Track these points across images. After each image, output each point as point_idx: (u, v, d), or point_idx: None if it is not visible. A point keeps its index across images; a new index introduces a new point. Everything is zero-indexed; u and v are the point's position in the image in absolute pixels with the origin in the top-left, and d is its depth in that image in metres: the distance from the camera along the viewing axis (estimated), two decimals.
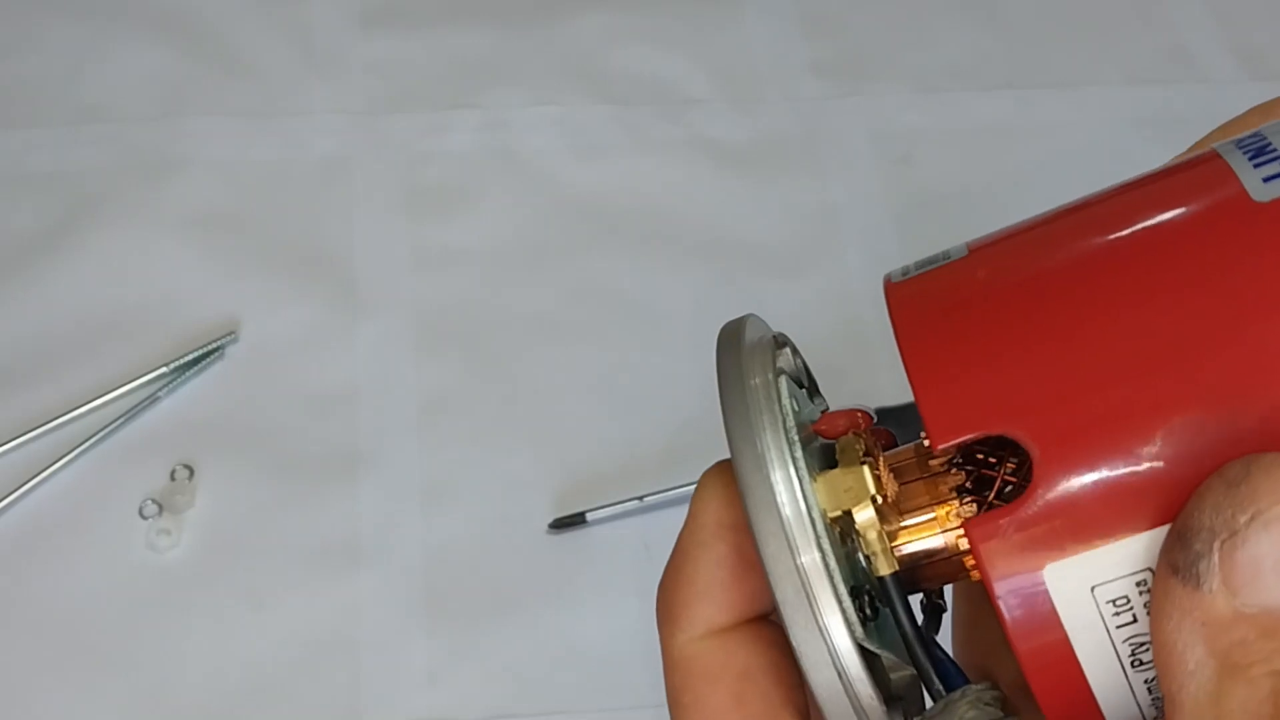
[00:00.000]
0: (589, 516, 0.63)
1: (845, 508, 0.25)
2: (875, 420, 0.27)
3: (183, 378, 0.66)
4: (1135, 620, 0.23)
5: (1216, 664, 0.22)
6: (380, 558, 0.62)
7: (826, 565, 0.24)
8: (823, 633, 0.24)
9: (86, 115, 0.74)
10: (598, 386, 0.67)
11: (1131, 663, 0.24)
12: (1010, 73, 0.79)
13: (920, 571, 0.26)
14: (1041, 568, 0.23)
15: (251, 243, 0.71)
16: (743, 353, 0.26)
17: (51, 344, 0.67)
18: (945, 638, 0.28)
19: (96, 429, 0.64)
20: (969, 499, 0.25)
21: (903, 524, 0.26)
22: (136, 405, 0.65)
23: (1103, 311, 0.24)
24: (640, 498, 0.63)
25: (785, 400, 0.26)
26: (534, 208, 0.73)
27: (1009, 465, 0.25)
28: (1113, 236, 0.25)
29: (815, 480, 0.25)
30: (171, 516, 0.62)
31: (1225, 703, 0.21)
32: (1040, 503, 0.23)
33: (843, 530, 0.25)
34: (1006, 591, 0.23)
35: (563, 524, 0.63)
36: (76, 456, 0.63)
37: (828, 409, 0.28)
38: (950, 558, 0.26)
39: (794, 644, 0.24)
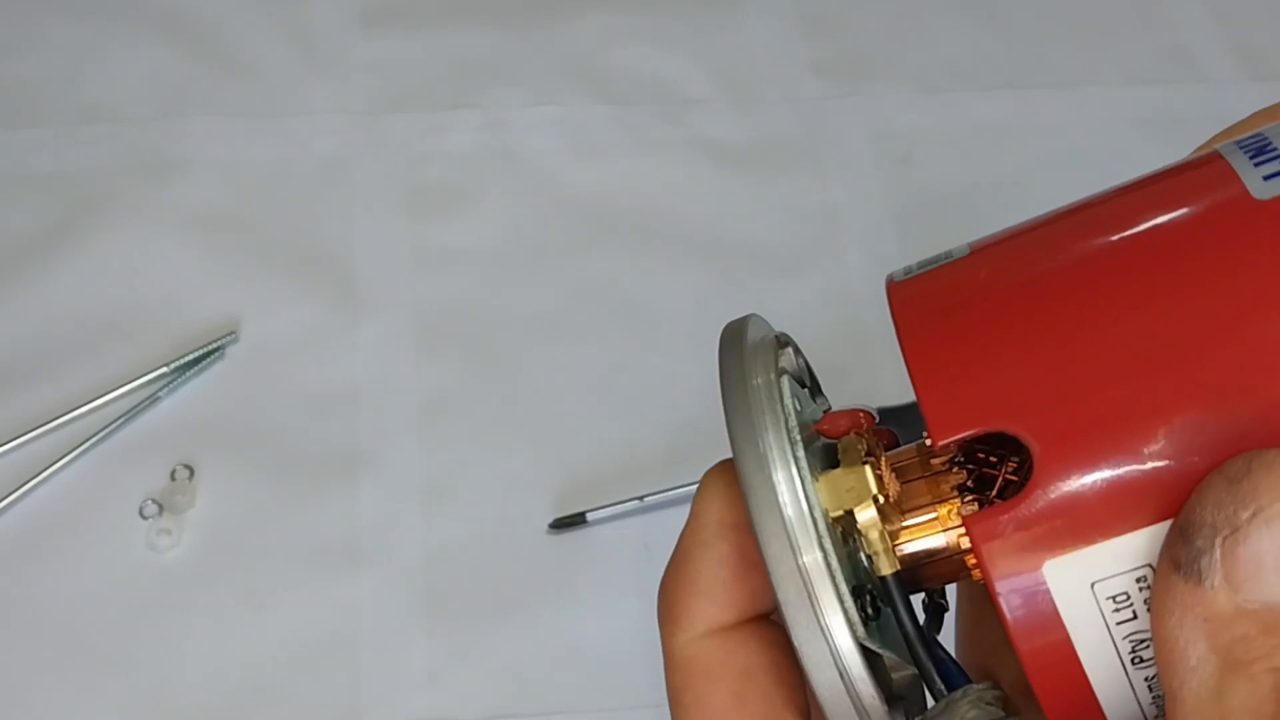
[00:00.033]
0: (589, 516, 0.63)
1: (847, 507, 0.25)
2: (877, 420, 0.27)
3: (183, 378, 0.66)
4: (1135, 617, 0.23)
5: (1218, 660, 0.22)
6: (380, 558, 0.62)
7: (828, 565, 0.24)
8: (824, 632, 0.24)
9: (86, 115, 0.74)
10: (598, 386, 0.67)
11: (1132, 660, 0.24)
12: (1010, 73, 0.79)
13: (922, 571, 0.26)
14: (1042, 565, 0.23)
15: (251, 243, 0.71)
16: (745, 352, 0.26)
17: (51, 344, 0.67)
18: (947, 638, 0.28)
19: (96, 429, 0.64)
20: (970, 498, 0.25)
21: (904, 523, 0.26)
22: (136, 405, 0.65)
23: (1104, 310, 0.24)
24: (640, 498, 0.63)
25: (787, 400, 0.26)
26: (534, 208, 0.73)
27: (1010, 464, 0.25)
28: (1114, 236, 0.25)
29: (817, 480, 0.25)
30: (171, 516, 0.62)
31: (1227, 699, 0.21)
32: (1041, 500, 0.23)
33: (844, 530, 0.25)
34: (1008, 590, 0.24)
35: (563, 524, 0.63)
36: (76, 456, 0.63)
37: (830, 409, 0.28)
38: (952, 556, 0.26)
39: (795, 644, 0.24)
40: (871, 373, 0.60)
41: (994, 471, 0.25)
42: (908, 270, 0.27)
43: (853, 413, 0.27)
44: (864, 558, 0.26)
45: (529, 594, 0.62)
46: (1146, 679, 0.24)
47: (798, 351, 0.28)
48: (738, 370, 0.26)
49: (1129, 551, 0.23)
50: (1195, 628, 0.22)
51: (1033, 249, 0.26)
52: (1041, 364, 0.24)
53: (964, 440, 0.24)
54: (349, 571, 0.62)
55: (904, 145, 0.76)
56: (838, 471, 0.25)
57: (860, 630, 0.24)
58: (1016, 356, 0.24)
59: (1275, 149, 0.24)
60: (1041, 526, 0.23)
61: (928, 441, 0.25)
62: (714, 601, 0.26)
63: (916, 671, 0.25)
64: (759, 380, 0.26)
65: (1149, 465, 0.23)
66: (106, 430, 0.64)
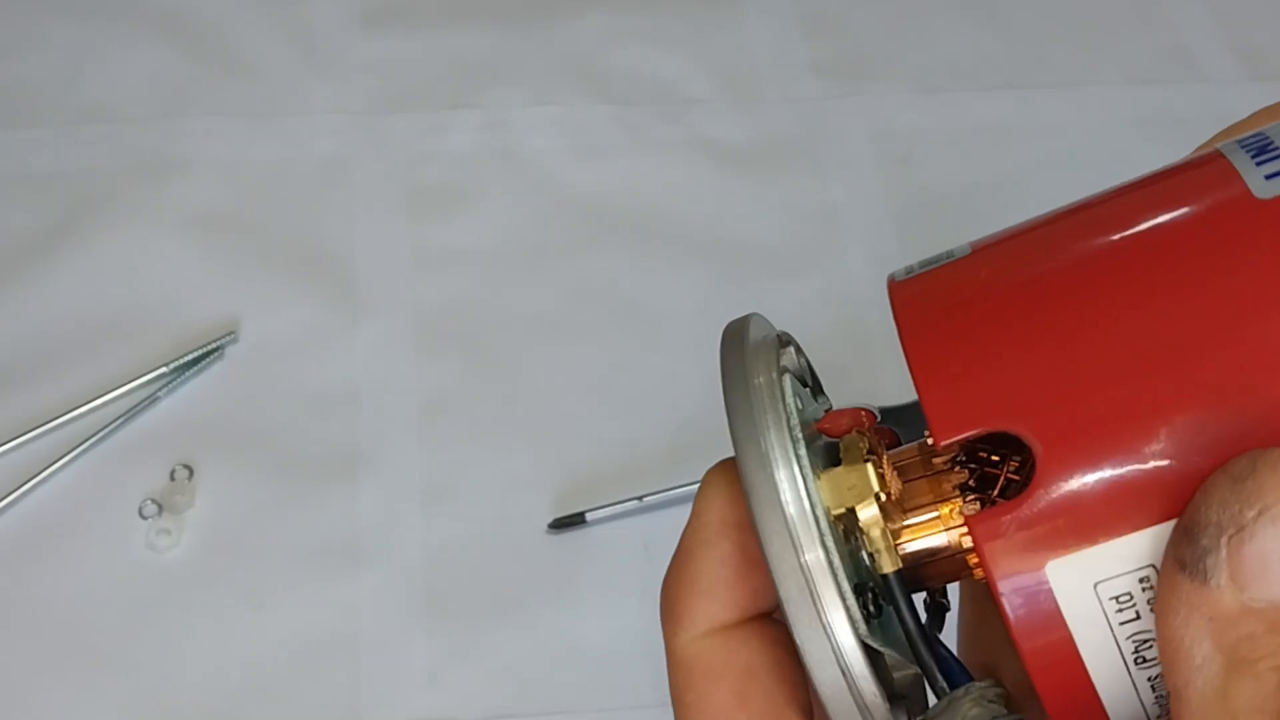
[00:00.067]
0: (589, 516, 0.63)
1: (849, 505, 0.25)
2: (879, 419, 0.27)
3: (183, 378, 0.66)
4: (1138, 617, 0.23)
5: (1224, 659, 0.22)
6: (380, 558, 0.62)
7: (830, 563, 0.24)
8: (826, 630, 0.24)
9: (86, 115, 0.74)
10: (598, 386, 0.67)
11: (1134, 660, 0.24)
12: (1010, 73, 0.79)
13: (923, 570, 0.26)
14: (1044, 565, 0.23)
15: (251, 243, 0.71)
16: (747, 351, 0.26)
17: (51, 344, 0.67)
18: (949, 638, 0.28)
19: (96, 429, 0.64)
20: (972, 497, 0.25)
21: (906, 522, 0.26)
22: (136, 405, 0.65)
23: (1106, 309, 0.24)
24: (640, 498, 0.63)
25: (789, 399, 0.26)
26: (534, 208, 0.73)
27: (1012, 463, 0.25)
28: (1116, 235, 0.25)
29: (819, 478, 0.25)
30: (171, 516, 0.62)
31: (1232, 698, 0.21)
32: (1043, 500, 0.23)
33: (846, 528, 0.25)
34: (1010, 589, 0.23)
35: (563, 524, 0.63)
36: (76, 456, 0.63)
37: (831, 408, 0.28)
38: (953, 556, 0.26)
39: (797, 641, 0.24)
40: (872, 373, 0.60)
41: (996, 471, 0.25)
42: (909, 270, 0.27)
43: (854, 411, 0.27)
44: (865, 556, 0.26)
45: (529, 594, 0.62)
46: (1149, 679, 0.24)
47: (799, 351, 0.28)
48: (740, 369, 0.26)
49: (1132, 552, 0.23)
50: (1201, 627, 0.22)
51: (1035, 248, 0.26)
52: (1044, 363, 0.24)
53: (966, 440, 0.24)
54: (349, 571, 0.62)
55: (904, 145, 0.76)
56: (839, 469, 0.25)
57: (862, 628, 0.24)
58: (1019, 356, 0.24)
59: (1277, 148, 0.24)
60: (1044, 526, 0.23)
61: (929, 440, 0.25)
62: (716, 600, 0.26)
63: (918, 671, 0.25)
64: (761, 379, 0.26)
65: (1151, 465, 0.23)
66: (106, 430, 0.64)
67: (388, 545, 0.63)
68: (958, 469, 0.26)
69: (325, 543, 0.62)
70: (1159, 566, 0.23)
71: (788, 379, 0.26)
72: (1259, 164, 0.24)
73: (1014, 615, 0.24)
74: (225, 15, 0.78)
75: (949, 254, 0.27)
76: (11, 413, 0.64)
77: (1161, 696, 0.24)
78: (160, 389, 0.65)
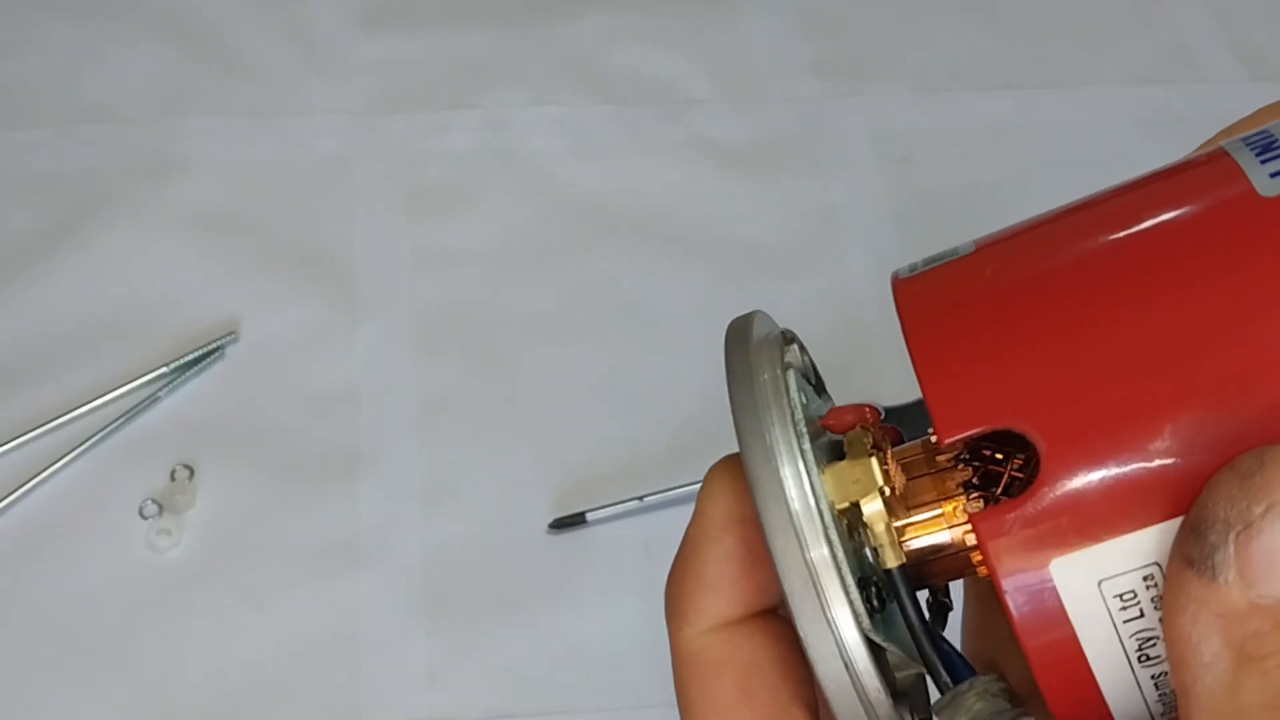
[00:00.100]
0: (589, 516, 0.63)
1: (853, 499, 0.25)
2: (883, 416, 0.27)
3: (183, 378, 0.66)
4: (1142, 615, 0.23)
5: (1232, 656, 0.21)
6: (380, 558, 0.62)
7: (834, 558, 0.24)
8: (830, 625, 0.24)
9: (86, 115, 0.74)
10: (598, 386, 0.67)
11: (1138, 658, 0.24)
12: (1010, 73, 0.79)
13: (927, 567, 0.26)
14: (1048, 563, 0.23)
15: (251, 243, 0.71)
16: (751, 348, 0.26)
17: (51, 344, 0.67)
18: (953, 638, 0.28)
19: (96, 429, 0.64)
20: (976, 495, 0.25)
21: (910, 519, 0.26)
22: (136, 405, 0.65)
23: (1111, 307, 0.24)
24: (640, 498, 0.63)
25: (794, 394, 0.26)
26: (534, 208, 0.73)
27: (1016, 461, 0.25)
28: (1120, 233, 0.25)
29: (823, 472, 0.25)
30: (171, 516, 0.62)
31: (1241, 695, 0.21)
32: (1047, 498, 0.23)
33: (850, 523, 0.25)
34: (1013, 587, 0.23)
35: (563, 524, 0.63)
36: (76, 456, 0.63)
37: (834, 406, 0.28)
38: (957, 553, 0.26)
39: (801, 636, 0.24)
40: (872, 373, 0.60)
41: (1000, 469, 0.25)
42: (913, 267, 0.27)
43: (859, 408, 0.27)
44: (869, 551, 0.26)
45: (529, 594, 0.62)
46: (1153, 677, 0.24)
47: (803, 349, 0.28)
48: (744, 365, 0.26)
49: (1136, 549, 0.23)
50: (1209, 624, 0.22)
51: (1038, 246, 0.26)
52: (1048, 361, 0.24)
53: (971, 438, 0.24)
54: (349, 571, 0.62)
55: (904, 145, 0.76)
56: (844, 464, 0.25)
57: (866, 622, 0.24)
58: (1023, 353, 0.24)
59: None
60: (1048, 524, 0.23)
61: (933, 438, 0.25)
62: (720, 596, 0.26)
63: (921, 669, 0.25)
64: (765, 375, 0.26)
65: (1156, 463, 0.23)
66: (106, 430, 0.64)
67: (388, 545, 0.63)
68: (961, 467, 0.26)
69: (325, 543, 0.62)
70: (1163, 564, 0.23)
71: (792, 375, 0.26)
72: (1264, 162, 0.24)
73: (1018, 613, 0.24)
74: (225, 15, 0.78)
75: (953, 251, 0.27)
76: (11, 413, 0.64)
77: (1165, 695, 0.24)
78: (160, 389, 0.65)
